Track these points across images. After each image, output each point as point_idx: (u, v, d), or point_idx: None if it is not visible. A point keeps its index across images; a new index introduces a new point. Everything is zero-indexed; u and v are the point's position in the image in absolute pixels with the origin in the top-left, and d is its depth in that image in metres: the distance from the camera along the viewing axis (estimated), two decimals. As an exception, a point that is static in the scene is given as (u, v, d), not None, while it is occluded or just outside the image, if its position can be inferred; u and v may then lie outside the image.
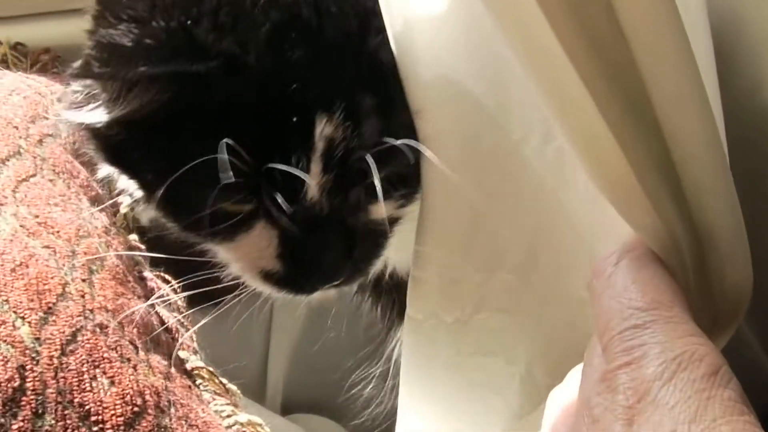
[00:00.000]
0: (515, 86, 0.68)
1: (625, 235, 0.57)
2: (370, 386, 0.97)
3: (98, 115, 0.72)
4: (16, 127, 0.83)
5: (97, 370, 0.62)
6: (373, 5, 0.69)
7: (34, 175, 0.77)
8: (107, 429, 0.59)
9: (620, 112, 0.48)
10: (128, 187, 0.86)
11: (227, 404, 0.73)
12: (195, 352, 0.79)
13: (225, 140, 0.64)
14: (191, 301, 0.87)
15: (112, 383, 0.62)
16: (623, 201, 0.53)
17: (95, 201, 0.85)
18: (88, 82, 0.73)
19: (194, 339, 0.82)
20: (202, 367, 0.77)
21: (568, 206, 0.70)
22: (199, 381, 0.76)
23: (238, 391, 0.78)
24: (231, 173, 0.64)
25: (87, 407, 0.59)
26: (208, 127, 0.66)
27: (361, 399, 0.98)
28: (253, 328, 1.30)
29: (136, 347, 0.67)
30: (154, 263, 0.89)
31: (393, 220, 0.78)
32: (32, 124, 0.86)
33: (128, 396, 0.62)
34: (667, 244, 0.54)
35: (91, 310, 0.66)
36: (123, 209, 0.93)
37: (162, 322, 0.78)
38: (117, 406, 0.61)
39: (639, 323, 0.51)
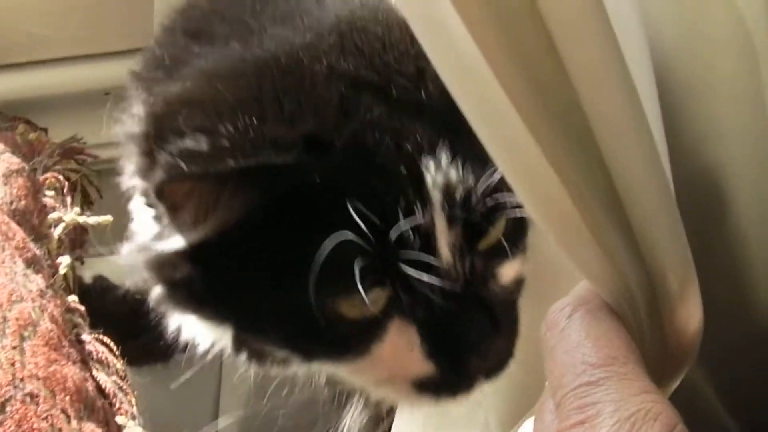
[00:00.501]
0: None
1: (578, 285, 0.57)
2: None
3: (178, 241, 0.67)
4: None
5: (26, 442, 0.60)
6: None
7: (-33, 239, 0.76)
8: (35, 503, 0.57)
9: (563, 150, 0.46)
10: (198, 337, 0.80)
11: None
12: (133, 418, 0.77)
13: (350, 211, 0.60)
14: (134, 362, 0.85)
15: (42, 455, 0.60)
16: (570, 244, 0.52)
17: (31, 263, 0.83)
18: (165, 205, 0.66)
19: (133, 403, 0.80)
20: (140, 434, 0.75)
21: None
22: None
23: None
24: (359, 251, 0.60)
25: (15, 481, 0.57)
26: (311, 217, 0.62)
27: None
28: (201, 390, 1.28)
29: (68, 416, 0.66)
30: (95, 324, 0.87)
31: (520, 282, 0.73)
32: None
33: (58, 468, 0.60)
34: (619, 288, 0.53)
35: (22, 379, 0.64)
36: (62, 269, 0.91)
37: (99, 388, 0.76)
38: (46, 479, 0.59)
39: (593, 380, 0.50)
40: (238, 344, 0.75)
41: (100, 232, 1.01)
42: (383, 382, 0.72)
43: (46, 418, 0.63)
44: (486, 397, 0.78)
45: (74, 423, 0.66)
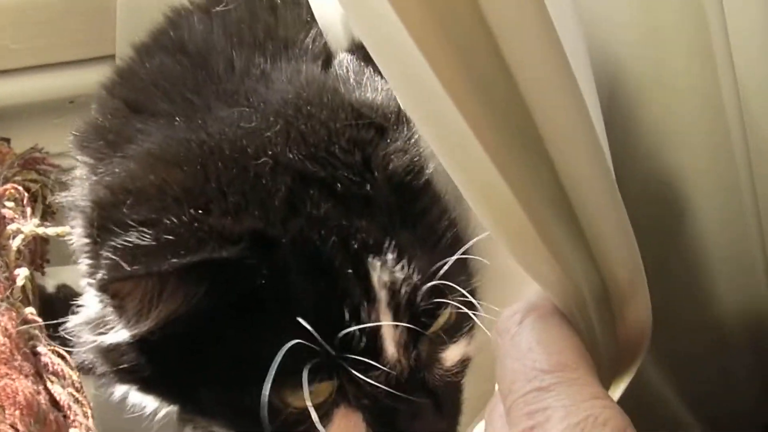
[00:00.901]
0: None
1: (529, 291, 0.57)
2: None
3: (123, 334, 0.66)
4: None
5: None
6: (368, 130, 0.68)
7: None
8: None
9: (508, 149, 0.46)
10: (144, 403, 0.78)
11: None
12: (87, 430, 0.76)
13: (297, 319, 0.60)
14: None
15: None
16: (518, 246, 0.51)
17: (-16, 277, 0.82)
18: (109, 300, 0.65)
19: (89, 415, 0.79)
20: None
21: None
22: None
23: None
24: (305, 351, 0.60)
25: None
26: (257, 313, 0.62)
27: None
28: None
29: (17, 430, 0.65)
30: (57, 334, 0.86)
31: (465, 362, 0.74)
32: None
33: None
34: (569, 290, 0.53)
35: (-31, 394, 0.63)
36: (20, 281, 0.90)
37: (53, 400, 0.75)
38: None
39: (543, 386, 0.50)
40: (184, 421, 0.76)
41: (62, 242, 1.00)
42: None
43: (-7, 433, 0.62)
44: None
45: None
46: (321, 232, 0.63)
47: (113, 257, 0.60)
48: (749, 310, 0.88)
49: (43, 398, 0.74)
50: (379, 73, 0.72)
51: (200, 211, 0.62)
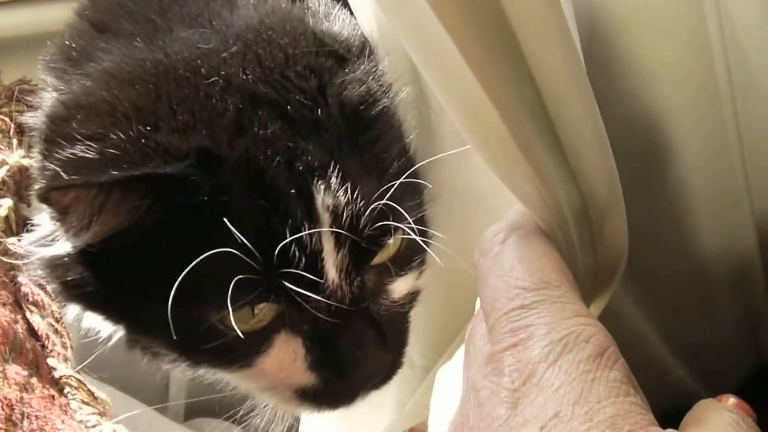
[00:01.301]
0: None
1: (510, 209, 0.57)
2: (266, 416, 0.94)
3: (66, 246, 0.68)
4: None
5: (-55, 383, 0.59)
6: (327, 58, 0.68)
7: None
8: (-49, 444, 0.57)
9: (488, 59, 0.46)
10: (98, 326, 0.78)
11: (94, 413, 0.71)
12: (65, 360, 0.76)
13: (232, 231, 0.60)
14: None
15: (-40, 396, 0.59)
16: (500, 160, 0.52)
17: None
18: (52, 212, 0.67)
19: (68, 346, 0.79)
20: (71, 376, 0.74)
21: (448, 172, 0.69)
22: (67, 390, 0.73)
23: (108, 400, 0.76)
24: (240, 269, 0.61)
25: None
26: (199, 229, 0.62)
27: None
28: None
29: (-9, 358, 0.65)
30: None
31: (414, 295, 0.74)
32: None
33: (-24, 409, 0.60)
34: (549, 206, 0.53)
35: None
36: (2, 211, 0.90)
37: (32, 330, 0.75)
38: (-37, 420, 0.59)
39: (526, 303, 0.50)
40: (131, 342, 0.76)
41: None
42: (267, 389, 0.73)
43: (-34, 359, 0.62)
44: None
45: (-3, 362, 0.65)
46: (267, 152, 0.63)
47: (56, 168, 0.61)
48: (733, 251, 0.88)
49: (20, 327, 0.74)
50: (349, 8, 0.73)
51: (148, 128, 0.62)
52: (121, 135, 0.62)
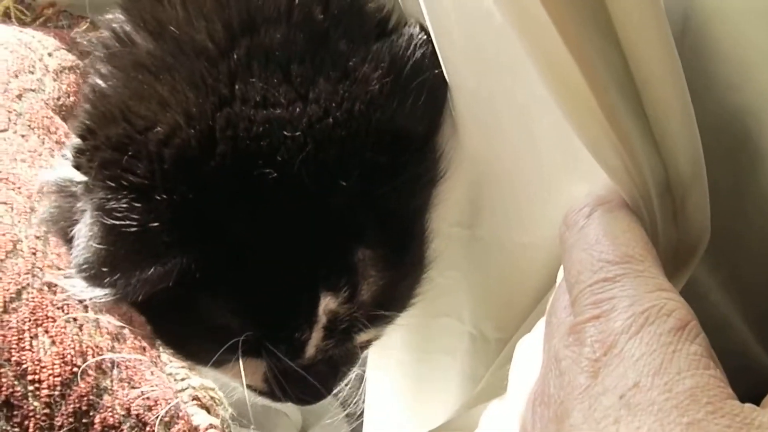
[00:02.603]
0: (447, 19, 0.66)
1: (591, 175, 0.57)
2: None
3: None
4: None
5: (39, 329, 0.61)
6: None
7: (5, 130, 0.77)
8: (43, 388, 0.59)
9: (580, 30, 0.47)
10: None
11: (183, 367, 0.73)
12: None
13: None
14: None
15: (53, 342, 0.61)
16: (586, 129, 0.52)
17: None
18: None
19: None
20: (163, 329, 0.76)
21: (510, 150, 0.68)
22: (159, 342, 0.75)
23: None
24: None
25: (24, 366, 0.59)
26: (212, 302, 0.66)
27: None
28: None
29: (85, 306, 0.67)
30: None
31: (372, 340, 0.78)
32: (15, 79, 0.85)
33: (69, 356, 0.61)
34: (633, 177, 0.53)
35: (41, 268, 0.65)
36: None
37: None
38: (56, 366, 0.60)
39: (609, 276, 0.51)
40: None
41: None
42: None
43: (62, 307, 0.64)
44: (464, 312, 0.78)
45: (91, 313, 0.67)
46: (290, 256, 0.65)
47: (94, 228, 0.65)
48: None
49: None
50: None
51: (192, 195, 0.63)
52: (164, 196, 0.63)
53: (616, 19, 0.47)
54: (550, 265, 0.65)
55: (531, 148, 0.66)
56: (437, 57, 0.68)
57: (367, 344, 0.77)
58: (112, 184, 0.64)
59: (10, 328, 0.59)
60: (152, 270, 0.61)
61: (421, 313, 0.79)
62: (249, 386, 0.75)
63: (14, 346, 0.59)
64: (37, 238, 0.68)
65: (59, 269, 0.67)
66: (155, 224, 0.62)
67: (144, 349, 0.71)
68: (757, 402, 0.48)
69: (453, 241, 0.75)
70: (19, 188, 0.71)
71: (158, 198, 0.62)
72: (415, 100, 0.66)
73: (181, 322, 0.69)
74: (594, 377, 0.48)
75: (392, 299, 0.69)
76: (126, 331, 0.70)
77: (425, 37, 0.69)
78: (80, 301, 0.66)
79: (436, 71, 0.68)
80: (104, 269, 0.63)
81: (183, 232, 0.62)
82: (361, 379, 0.91)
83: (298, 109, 0.63)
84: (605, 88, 0.48)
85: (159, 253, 0.62)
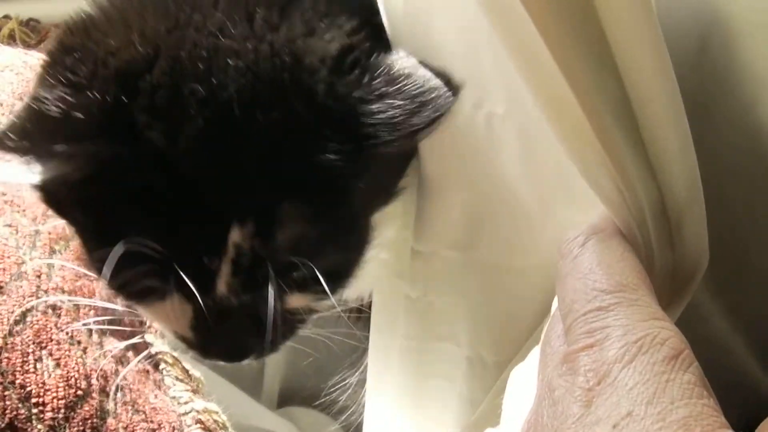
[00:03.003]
0: (446, 46, 0.65)
1: (588, 200, 0.56)
2: (347, 393, 0.96)
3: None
4: (1, 104, 0.83)
5: (44, 352, 0.61)
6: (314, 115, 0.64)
7: (10, 153, 0.77)
8: (47, 411, 0.59)
9: (575, 54, 0.47)
10: None
11: (186, 390, 0.73)
12: (162, 337, 0.78)
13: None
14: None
15: (58, 365, 0.61)
16: (582, 155, 0.52)
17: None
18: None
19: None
20: (167, 353, 0.76)
21: (507, 174, 0.68)
22: (162, 366, 0.75)
23: (201, 378, 0.77)
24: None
25: (28, 389, 0.59)
26: (127, 207, 0.63)
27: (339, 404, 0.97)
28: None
29: (90, 330, 0.67)
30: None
31: (310, 312, 0.76)
32: (20, 101, 0.86)
33: (73, 379, 0.61)
34: (629, 204, 0.53)
35: (46, 291, 0.65)
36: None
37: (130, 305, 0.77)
38: (60, 389, 0.60)
39: (603, 305, 0.51)
40: None
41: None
42: (159, 325, 0.75)
43: (66, 330, 0.64)
44: (461, 336, 0.78)
45: (95, 337, 0.67)
46: (209, 178, 0.63)
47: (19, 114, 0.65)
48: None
49: (120, 302, 0.76)
50: None
51: (125, 98, 0.63)
52: (97, 95, 0.63)
53: (614, 44, 0.47)
54: (548, 288, 0.65)
55: (531, 172, 0.66)
56: None
57: (301, 315, 0.75)
58: (52, 81, 0.64)
59: (14, 350, 0.60)
60: (66, 149, 0.61)
61: (418, 338, 0.79)
62: (177, 335, 0.73)
63: (18, 368, 0.59)
64: (42, 260, 0.67)
65: (64, 291, 0.67)
66: (79, 115, 0.62)
67: (147, 372, 0.71)
68: (756, 426, 0.48)
69: (449, 265, 0.75)
70: (23, 210, 0.71)
71: (90, 95, 0.63)
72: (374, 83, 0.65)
73: (98, 228, 0.67)
74: (587, 406, 0.47)
75: (311, 256, 0.66)
76: (130, 353, 0.69)
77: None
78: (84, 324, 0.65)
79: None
80: (21, 140, 0.62)
81: (106, 130, 0.62)
82: (360, 385, 0.91)
83: (250, 46, 0.64)
84: (600, 112, 0.48)
85: (77, 137, 0.62)
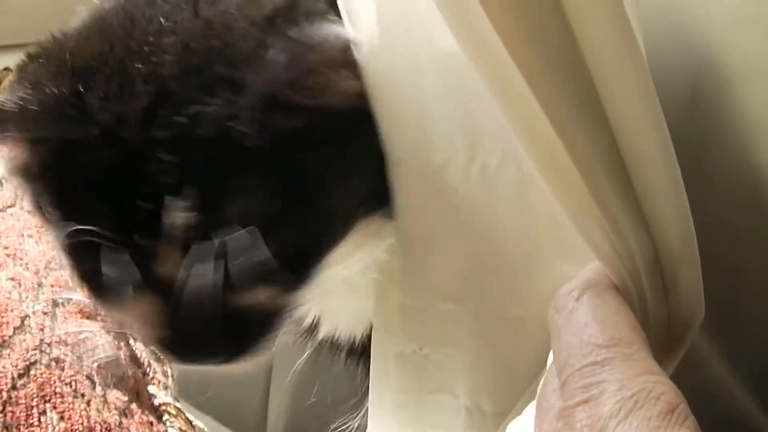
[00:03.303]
0: (435, 103, 0.65)
1: (578, 249, 0.57)
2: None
3: None
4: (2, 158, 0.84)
5: (47, 405, 0.61)
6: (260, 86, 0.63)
7: (12, 206, 0.78)
8: (52, 465, 0.59)
9: (565, 109, 0.47)
10: None
11: (190, 441, 0.73)
12: (165, 388, 0.78)
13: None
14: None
15: (62, 418, 0.61)
16: (573, 209, 0.52)
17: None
18: None
19: (168, 374, 0.81)
20: (170, 403, 0.76)
21: (503, 225, 0.69)
22: (165, 417, 0.75)
23: (205, 429, 0.78)
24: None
25: (33, 442, 0.59)
26: (84, 195, 0.64)
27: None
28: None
29: (93, 382, 0.67)
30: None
31: (281, 309, 0.72)
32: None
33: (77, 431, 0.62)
34: (622, 258, 0.53)
35: (49, 344, 0.65)
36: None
37: (134, 357, 0.78)
38: (64, 442, 0.61)
39: (598, 360, 0.50)
40: None
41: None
42: (136, 327, 0.71)
43: (69, 383, 0.64)
44: (459, 386, 0.78)
45: (99, 389, 0.67)
46: (152, 153, 0.62)
47: None
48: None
49: (123, 354, 0.76)
50: None
51: (82, 88, 0.64)
52: (54, 90, 0.64)
53: (605, 98, 0.47)
54: (547, 339, 0.65)
55: (526, 222, 0.66)
56: None
57: (269, 314, 0.72)
58: (15, 86, 0.65)
59: (18, 404, 0.60)
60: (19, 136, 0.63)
61: (415, 390, 0.78)
62: (145, 335, 0.69)
63: (23, 422, 0.59)
64: (45, 313, 0.68)
65: (67, 344, 0.67)
66: (35, 108, 0.63)
67: (151, 424, 0.71)
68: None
69: (445, 318, 0.74)
70: (26, 264, 0.71)
71: (47, 91, 0.64)
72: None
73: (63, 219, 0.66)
74: None
75: (263, 235, 0.65)
76: (134, 405, 0.70)
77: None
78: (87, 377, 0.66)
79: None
80: None
81: (59, 117, 0.63)
82: (362, 430, 0.91)
83: (187, 24, 0.65)
84: (591, 167, 0.48)
85: (30, 126, 0.63)
